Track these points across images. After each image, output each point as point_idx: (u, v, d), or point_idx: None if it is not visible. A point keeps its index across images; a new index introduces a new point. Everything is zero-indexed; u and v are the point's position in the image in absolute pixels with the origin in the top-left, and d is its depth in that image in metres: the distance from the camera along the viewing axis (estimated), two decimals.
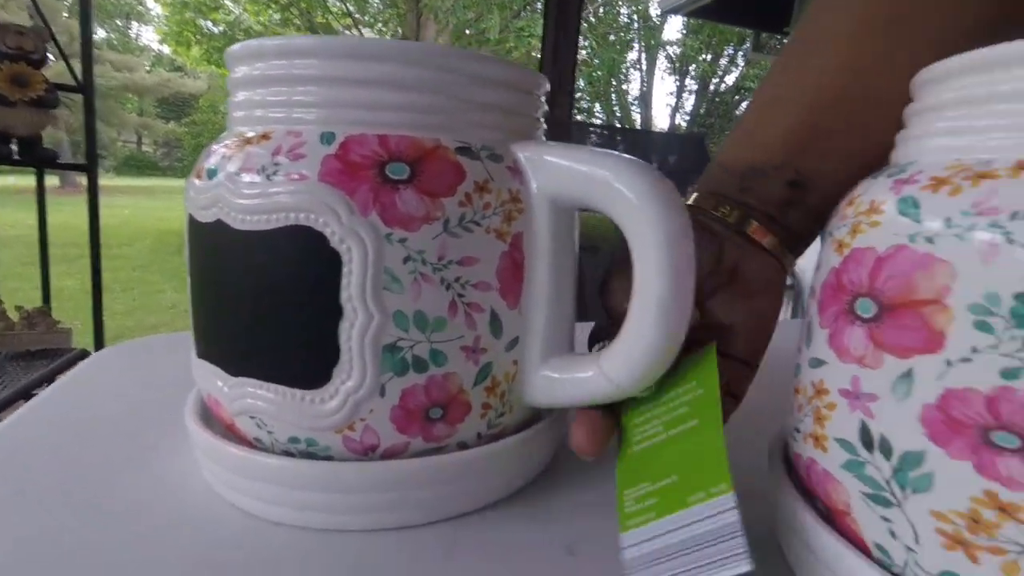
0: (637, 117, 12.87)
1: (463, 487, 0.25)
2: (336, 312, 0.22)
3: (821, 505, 0.21)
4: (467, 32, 9.22)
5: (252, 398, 0.23)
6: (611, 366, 0.24)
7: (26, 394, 1.20)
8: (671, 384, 0.25)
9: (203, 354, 0.25)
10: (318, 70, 0.22)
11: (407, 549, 0.23)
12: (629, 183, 0.22)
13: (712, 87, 12.64)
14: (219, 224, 0.23)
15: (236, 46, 0.24)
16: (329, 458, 0.24)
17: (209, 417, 0.27)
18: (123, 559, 0.22)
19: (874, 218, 0.19)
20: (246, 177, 0.22)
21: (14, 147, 1.49)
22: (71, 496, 0.25)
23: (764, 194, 0.29)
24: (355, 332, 0.22)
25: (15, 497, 0.25)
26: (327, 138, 0.22)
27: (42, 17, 1.61)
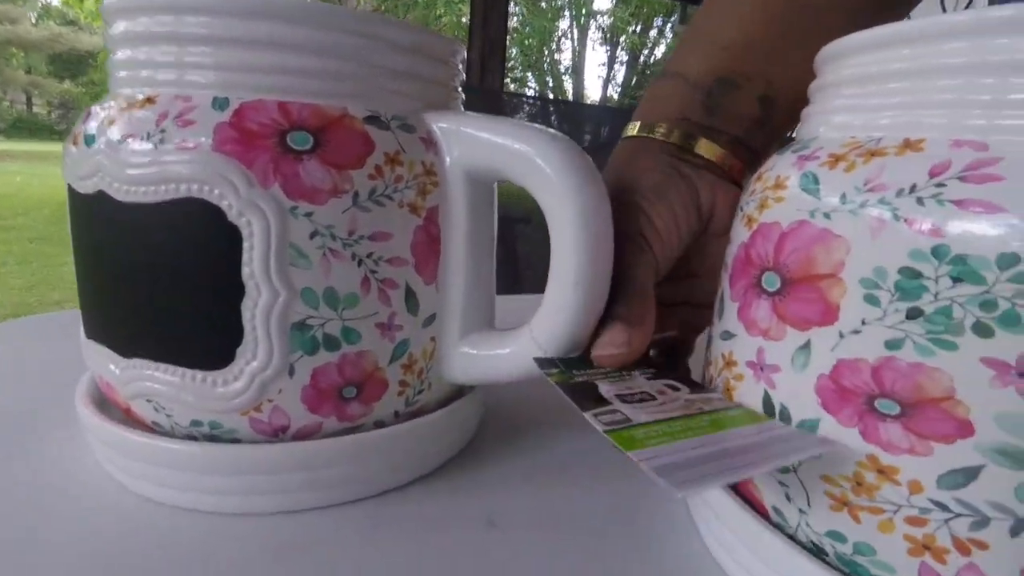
0: (569, 87, 12.88)
1: (382, 465, 0.24)
2: (238, 290, 0.20)
3: None
4: None
5: (148, 380, 0.22)
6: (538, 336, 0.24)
7: None
8: None
9: (92, 334, 0.24)
10: (210, 29, 0.20)
11: (328, 528, 0.23)
12: (546, 156, 0.22)
13: (642, 59, 12.77)
14: (101, 195, 0.21)
15: None
16: (236, 441, 0.23)
17: (105, 402, 0.25)
18: (26, 556, 0.20)
19: (779, 193, 0.19)
20: (130, 144, 0.20)
21: None
22: None
23: (735, 112, 0.27)
24: (259, 310, 0.21)
25: None
26: (220, 104, 0.20)
27: None
